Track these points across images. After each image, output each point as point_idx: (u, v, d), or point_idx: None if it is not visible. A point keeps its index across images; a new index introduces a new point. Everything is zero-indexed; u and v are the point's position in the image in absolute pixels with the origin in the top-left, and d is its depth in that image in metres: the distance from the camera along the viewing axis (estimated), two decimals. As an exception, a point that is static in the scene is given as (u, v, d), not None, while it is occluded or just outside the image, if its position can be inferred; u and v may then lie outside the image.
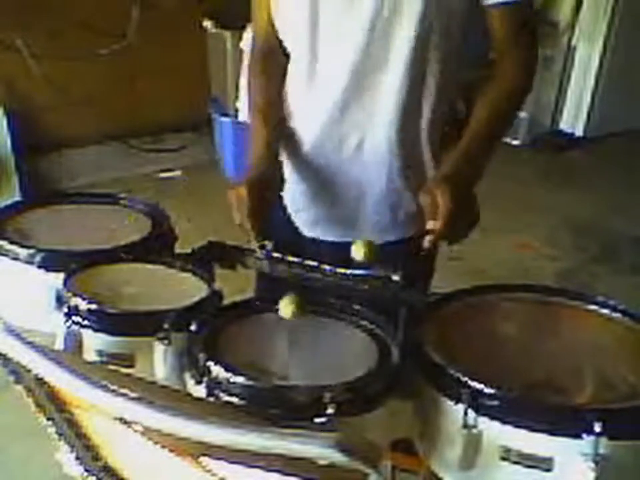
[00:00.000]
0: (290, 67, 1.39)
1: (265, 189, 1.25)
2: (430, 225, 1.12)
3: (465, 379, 0.92)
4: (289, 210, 1.46)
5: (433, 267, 1.49)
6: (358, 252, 1.16)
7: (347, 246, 1.17)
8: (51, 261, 1.23)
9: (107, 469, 1.00)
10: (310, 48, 1.30)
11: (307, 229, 1.46)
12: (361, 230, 1.39)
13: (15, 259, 1.24)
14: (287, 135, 1.41)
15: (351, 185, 1.39)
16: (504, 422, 0.90)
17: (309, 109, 1.37)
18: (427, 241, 1.13)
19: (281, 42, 1.38)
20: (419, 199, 1.16)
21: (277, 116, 1.40)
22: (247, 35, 3.60)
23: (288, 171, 1.40)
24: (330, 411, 0.90)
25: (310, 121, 1.37)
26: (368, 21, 1.23)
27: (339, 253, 1.23)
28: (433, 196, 1.12)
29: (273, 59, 1.42)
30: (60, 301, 1.12)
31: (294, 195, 1.43)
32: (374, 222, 1.41)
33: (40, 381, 0.93)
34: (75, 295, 1.11)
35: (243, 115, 3.68)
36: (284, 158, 1.41)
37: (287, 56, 1.39)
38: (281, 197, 1.42)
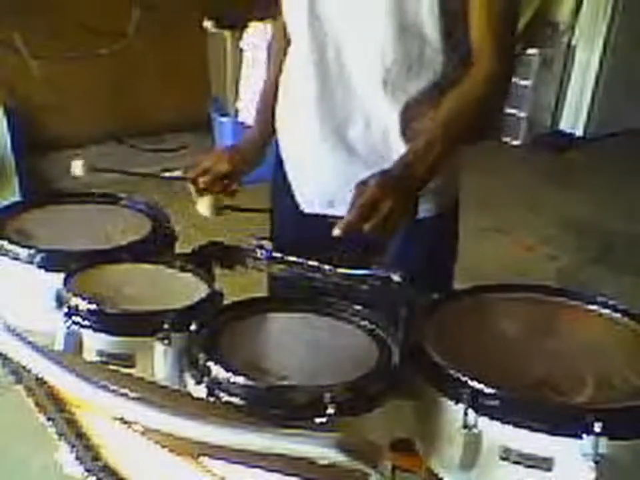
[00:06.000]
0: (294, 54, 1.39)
1: (233, 162, 1.42)
2: (352, 217, 1.06)
3: (465, 379, 0.92)
4: (300, 198, 1.46)
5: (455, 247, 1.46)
6: None
7: None
8: (50, 261, 1.23)
9: (107, 469, 1.00)
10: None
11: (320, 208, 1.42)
12: None
13: (15, 258, 1.24)
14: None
15: (360, 163, 1.34)
16: (504, 422, 0.90)
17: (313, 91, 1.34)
18: (337, 229, 1.06)
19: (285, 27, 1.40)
20: (354, 188, 1.09)
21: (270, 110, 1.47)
22: (247, 35, 3.60)
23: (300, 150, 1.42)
24: (330, 410, 0.90)
25: (313, 103, 1.34)
26: None
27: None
28: (370, 194, 1.07)
29: (277, 43, 1.49)
30: (60, 300, 1.12)
31: (306, 179, 1.43)
32: None
33: (40, 381, 0.93)
34: (75, 294, 1.11)
35: (243, 115, 3.68)
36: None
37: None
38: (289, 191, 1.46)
